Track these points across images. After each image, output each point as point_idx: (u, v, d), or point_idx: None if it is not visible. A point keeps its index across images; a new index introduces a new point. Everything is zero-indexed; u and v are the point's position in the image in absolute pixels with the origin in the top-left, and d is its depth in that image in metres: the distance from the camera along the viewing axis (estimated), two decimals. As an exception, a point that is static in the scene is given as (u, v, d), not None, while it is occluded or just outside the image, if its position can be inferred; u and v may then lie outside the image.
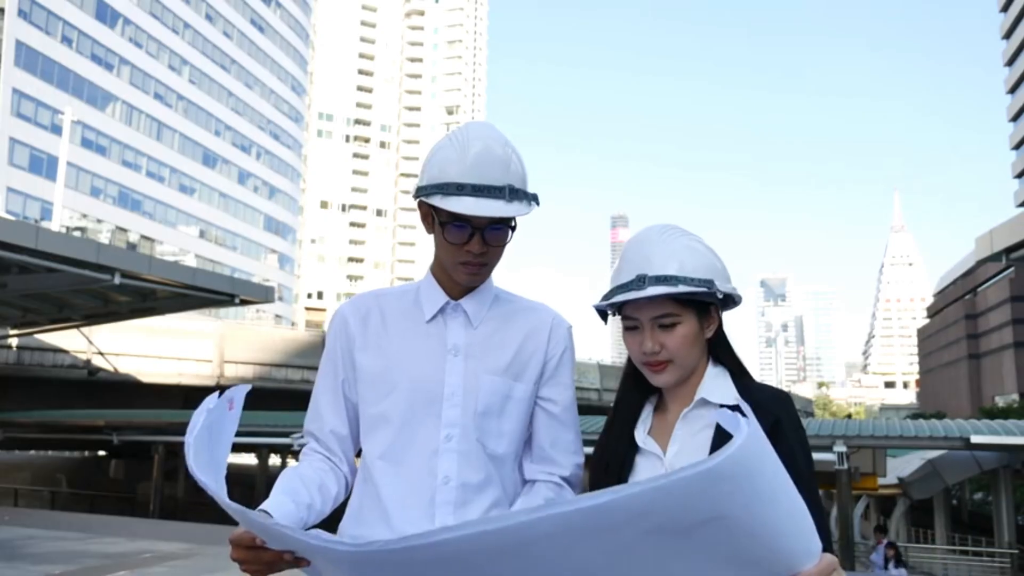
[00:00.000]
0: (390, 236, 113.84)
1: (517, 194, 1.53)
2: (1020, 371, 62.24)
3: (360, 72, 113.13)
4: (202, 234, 63.40)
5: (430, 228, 1.61)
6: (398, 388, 1.58)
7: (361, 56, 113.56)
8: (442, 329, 1.62)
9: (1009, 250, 12.95)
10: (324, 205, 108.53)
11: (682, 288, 1.45)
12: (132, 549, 10.45)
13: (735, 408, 1.42)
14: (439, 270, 1.64)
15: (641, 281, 1.46)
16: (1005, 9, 68.98)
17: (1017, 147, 66.84)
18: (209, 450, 1.16)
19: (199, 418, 1.15)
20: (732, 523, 0.88)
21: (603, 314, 1.62)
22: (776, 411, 1.41)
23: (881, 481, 20.71)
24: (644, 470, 1.51)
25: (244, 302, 19.86)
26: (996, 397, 63.27)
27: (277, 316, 70.50)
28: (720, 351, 1.58)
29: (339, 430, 1.62)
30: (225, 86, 66.29)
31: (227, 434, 1.24)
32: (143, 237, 56.24)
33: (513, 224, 1.57)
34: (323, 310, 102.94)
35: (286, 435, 20.00)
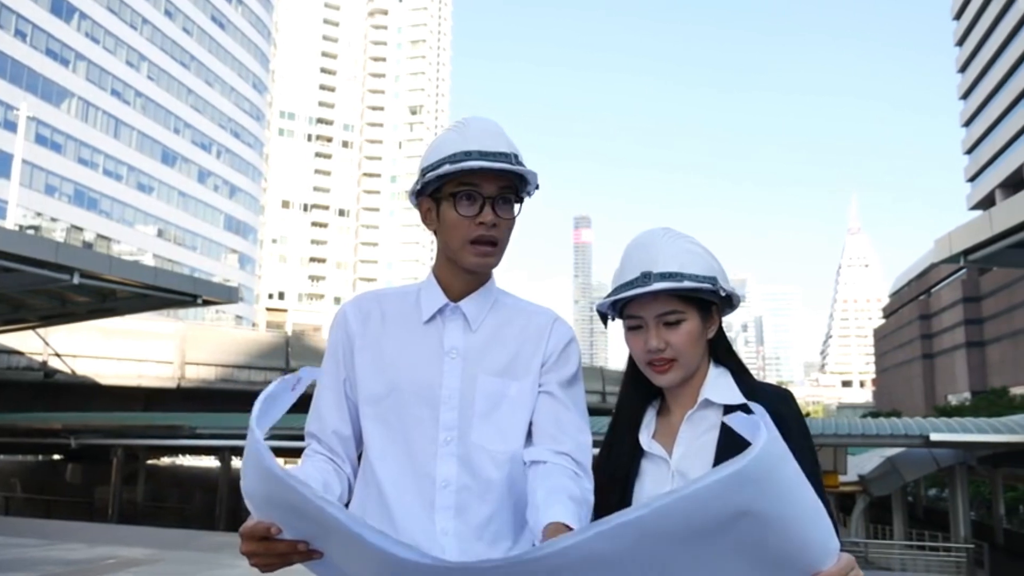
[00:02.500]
0: (352, 236, 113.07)
1: (521, 164, 1.56)
2: (972, 370, 63.77)
3: (323, 71, 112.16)
4: (160, 233, 62.34)
5: (433, 223, 1.60)
6: (396, 390, 1.55)
7: (324, 55, 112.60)
8: (440, 331, 1.59)
9: (967, 252, 13.25)
10: (286, 205, 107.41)
11: (687, 284, 1.47)
12: (94, 555, 10.23)
13: (742, 408, 1.44)
14: (441, 268, 1.63)
15: (647, 278, 1.48)
16: (958, 17, 70.65)
17: (969, 151, 68.47)
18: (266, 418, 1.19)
19: (272, 387, 1.21)
20: (760, 522, 0.90)
21: (604, 317, 1.62)
22: (781, 410, 1.40)
23: (842, 479, 21.08)
24: (650, 473, 1.52)
25: (207, 302, 19.65)
26: (949, 396, 64.78)
27: (238, 317, 69.63)
28: (721, 352, 1.59)
29: (341, 431, 1.58)
30: (185, 83, 65.26)
31: (277, 410, 1.24)
32: (99, 236, 55.14)
33: (521, 197, 1.58)
34: (284, 311, 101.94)
35: (250, 437, 19.76)
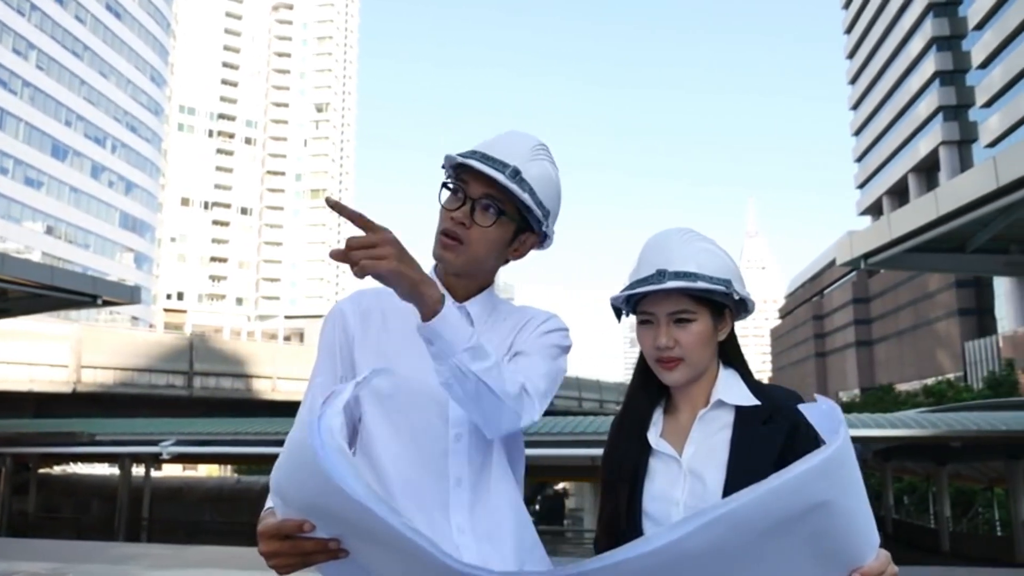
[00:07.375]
0: (255, 235, 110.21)
1: (523, 184, 1.52)
2: (861, 368, 67.10)
3: (225, 65, 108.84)
4: (50, 231, 59.34)
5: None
6: (402, 388, 1.53)
7: (226, 48, 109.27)
8: None
9: (867, 255, 13.93)
10: (185, 202, 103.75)
11: (700, 284, 1.48)
12: (-9, 571, 9.66)
13: (759, 408, 1.47)
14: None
15: (661, 275, 1.49)
16: (849, 31, 74.26)
17: (859, 159, 71.99)
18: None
19: (346, 387, 1.11)
20: (829, 513, 0.93)
21: (618, 311, 1.63)
22: (795, 412, 1.43)
23: (747, 474, 21.75)
24: (660, 472, 1.51)
25: (107, 303, 18.82)
26: (840, 392, 67.88)
27: (134, 318, 66.92)
28: (731, 354, 1.61)
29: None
30: (77, 74, 62.26)
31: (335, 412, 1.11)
32: (-19, 233, 52.14)
33: (504, 210, 1.53)
34: (184, 312, 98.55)
35: (153, 443, 18.98)
